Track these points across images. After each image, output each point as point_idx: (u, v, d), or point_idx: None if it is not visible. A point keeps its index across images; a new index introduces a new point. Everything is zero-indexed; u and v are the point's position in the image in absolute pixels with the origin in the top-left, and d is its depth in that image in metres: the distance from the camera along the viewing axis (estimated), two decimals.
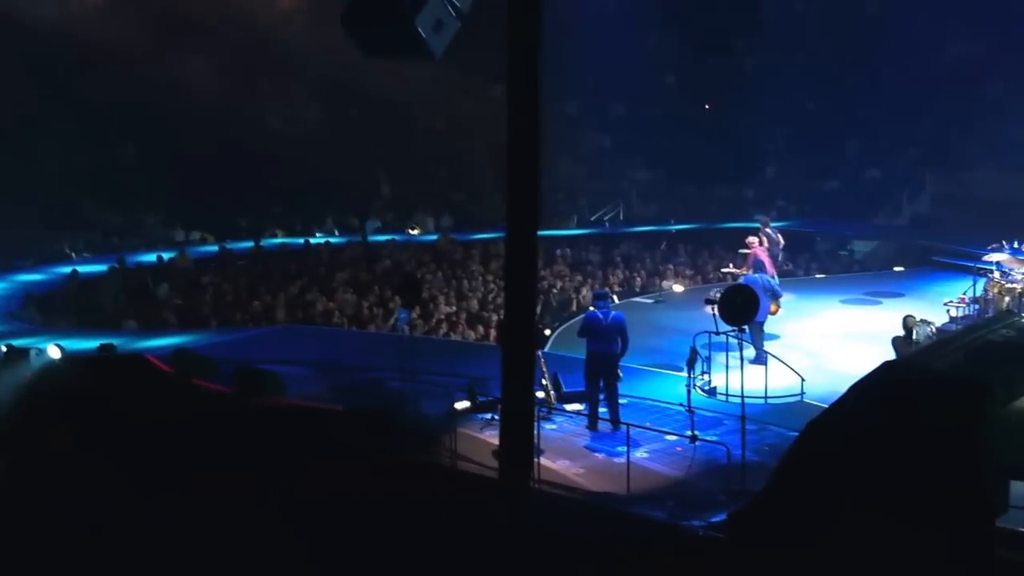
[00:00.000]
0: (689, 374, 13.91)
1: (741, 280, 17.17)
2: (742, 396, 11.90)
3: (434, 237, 28.26)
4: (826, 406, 11.00)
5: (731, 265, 20.11)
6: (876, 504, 9.31)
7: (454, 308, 21.51)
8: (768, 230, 19.47)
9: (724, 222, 28.96)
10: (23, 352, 16.09)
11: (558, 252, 26.23)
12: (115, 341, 17.09)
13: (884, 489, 9.34)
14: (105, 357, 16.14)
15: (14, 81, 28.27)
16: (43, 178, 27.71)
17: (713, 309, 13.13)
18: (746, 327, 13.40)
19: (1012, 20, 31.04)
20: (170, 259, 24.85)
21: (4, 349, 16.29)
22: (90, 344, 17.02)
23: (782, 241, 20.13)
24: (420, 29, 10.13)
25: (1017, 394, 9.76)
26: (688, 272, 25.08)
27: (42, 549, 13.75)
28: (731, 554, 10.11)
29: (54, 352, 15.92)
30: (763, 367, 14.26)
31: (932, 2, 32.70)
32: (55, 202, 27.58)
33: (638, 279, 24.57)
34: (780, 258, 20.18)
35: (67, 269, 23.78)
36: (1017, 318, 13.23)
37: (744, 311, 12.51)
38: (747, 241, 18.79)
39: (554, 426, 13.40)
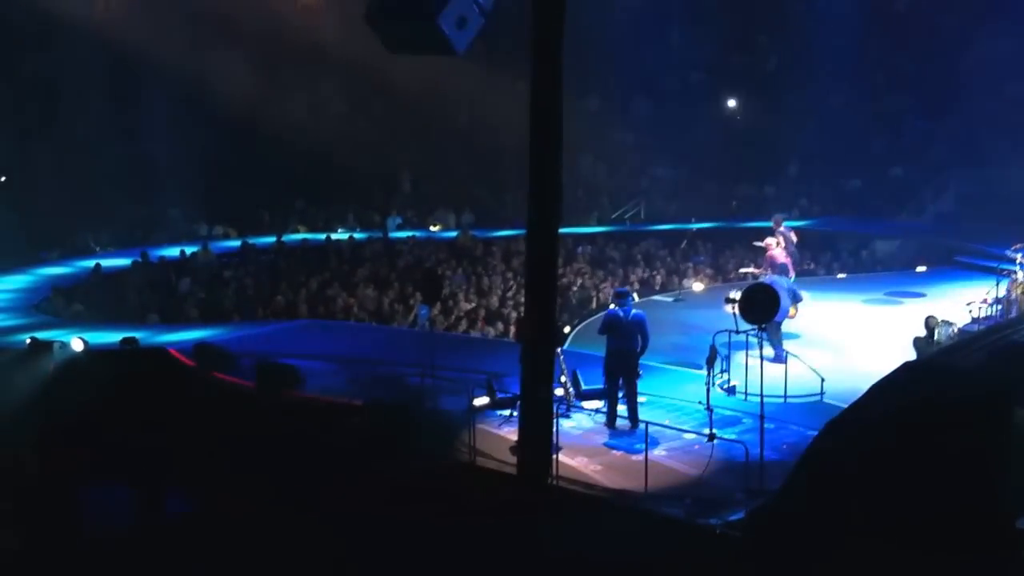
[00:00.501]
0: (708, 372, 13.91)
1: (764, 280, 17.12)
2: (761, 395, 11.88)
3: (455, 234, 28.32)
4: (846, 406, 10.98)
5: (752, 265, 20.09)
6: (895, 506, 9.28)
7: (474, 304, 21.58)
8: (782, 229, 19.42)
9: (746, 221, 28.90)
10: (47, 345, 16.25)
11: (579, 250, 26.26)
12: (137, 334, 17.19)
13: (903, 491, 9.31)
14: (127, 350, 16.27)
15: (42, 76, 28.59)
16: (69, 171, 27.98)
17: (733, 308, 13.12)
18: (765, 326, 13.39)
19: None
20: (193, 253, 25.00)
21: (28, 341, 16.45)
22: (113, 337, 17.16)
23: (795, 239, 20.09)
24: (443, 26, 10.20)
25: None
26: (708, 271, 25.06)
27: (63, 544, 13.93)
28: (749, 552, 10.13)
29: (77, 345, 16.07)
30: (783, 365, 14.24)
31: None
32: (80, 195, 27.84)
33: (659, 277, 24.57)
34: (795, 257, 20.17)
35: (91, 262, 23.98)
36: None
37: (764, 310, 12.48)
38: (764, 243, 18.76)
39: (573, 423, 13.42)
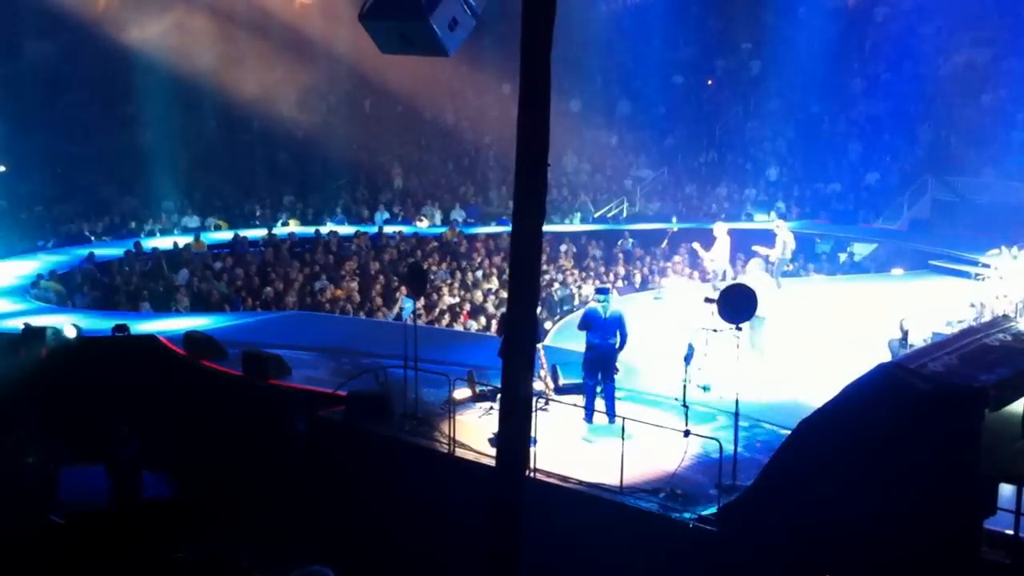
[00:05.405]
0: (685, 370, 14.11)
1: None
2: (736, 393, 12.10)
3: (441, 229, 28.55)
4: (819, 406, 11.20)
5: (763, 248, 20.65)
6: (866, 504, 9.54)
7: (457, 299, 21.84)
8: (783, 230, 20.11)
9: (725, 222, 29.22)
10: (40, 331, 16.45)
11: (561, 247, 26.51)
12: (129, 322, 17.42)
13: (875, 490, 9.55)
14: (118, 337, 16.49)
15: (38, 65, 28.71)
16: (66, 161, 28.17)
17: (712, 307, 13.35)
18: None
19: (1018, 28, 31.27)
20: (185, 244, 25.20)
21: (22, 327, 16.64)
22: (105, 324, 17.37)
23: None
24: (436, 27, 10.37)
25: (1010, 399, 9.87)
26: (687, 270, 25.35)
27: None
28: (720, 547, 10.41)
29: (70, 331, 16.28)
30: (758, 364, 14.44)
31: (938, 9, 32.93)
32: (76, 185, 28.05)
33: (638, 275, 24.87)
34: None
35: (85, 251, 24.17)
36: (1012, 323, 13.25)
37: (742, 309, 12.67)
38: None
39: (551, 417, 13.59)
